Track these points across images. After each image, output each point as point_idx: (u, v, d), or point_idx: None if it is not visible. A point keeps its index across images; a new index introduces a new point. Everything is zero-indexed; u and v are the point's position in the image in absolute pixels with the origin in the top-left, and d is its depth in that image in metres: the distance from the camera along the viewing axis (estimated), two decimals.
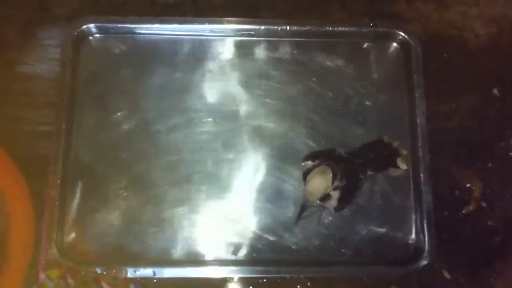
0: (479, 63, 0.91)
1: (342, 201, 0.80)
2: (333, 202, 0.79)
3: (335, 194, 0.79)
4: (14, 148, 0.81)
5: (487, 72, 0.90)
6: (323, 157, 0.81)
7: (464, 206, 0.85)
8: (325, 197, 0.79)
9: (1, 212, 0.76)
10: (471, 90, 0.89)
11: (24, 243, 0.76)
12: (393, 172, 0.84)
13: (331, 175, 0.77)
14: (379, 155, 0.84)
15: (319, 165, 0.80)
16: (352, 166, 0.81)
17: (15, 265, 0.74)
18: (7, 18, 0.89)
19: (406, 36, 0.89)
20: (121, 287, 0.76)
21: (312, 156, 0.83)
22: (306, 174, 0.80)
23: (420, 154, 0.84)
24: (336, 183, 0.78)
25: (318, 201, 0.80)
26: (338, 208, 0.81)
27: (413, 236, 0.83)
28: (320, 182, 0.77)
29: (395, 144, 0.84)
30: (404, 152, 0.84)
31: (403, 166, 0.83)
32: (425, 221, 0.82)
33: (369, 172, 0.83)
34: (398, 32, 0.89)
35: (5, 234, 0.75)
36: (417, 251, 0.82)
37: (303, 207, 0.80)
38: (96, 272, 0.76)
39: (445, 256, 0.82)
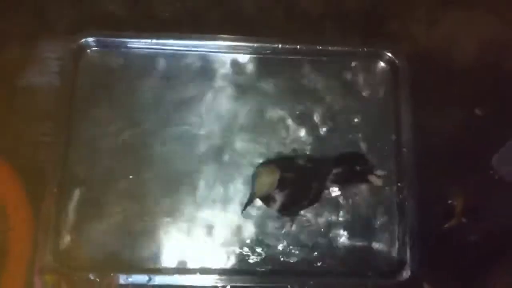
0: (464, 83, 0.93)
1: (286, 206, 0.82)
2: (275, 206, 0.82)
3: (279, 198, 0.81)
4: (14, 157, 0.83)
5: (471, 92, 0.93)
6: (279, 163, 0.84)
7: (446, 221, 0.87)
8: (269, 200, 0.82)
9: (1, 218, 0.78)
10: (455, 108, 0.92)
11: (22, 248, 0.78)
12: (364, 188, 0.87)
13: (277, 177, 0.80)
14: (348, 170, 0.86)
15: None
16: (306, 176, 0.84)
17: (14, 269, 0.76)
18: (9, 32, 0.91)
19: (393, 57, 0.92)
20: None
21: (271, 161, 0.86)
22: (256, 173, 0.82)
23: (405, 169, 0.87)
24: (281, 187, 0.80)
25: (262, 202, 0.83)
26: (282, 212, 0.83)
27: (396, 248, 0.85)
28: (265, 179, 0.80)
29: (373, 161, 0.88)
30: (382, 173, 0.87)
31: (377, 182, 0.86)
32: (408, 234, 0.84)
33: (333, 186, 0.86)
34: (385, 52, 0.92)
35: (4, 239, 0.77)
36: (400, 263, 0.84)
37: (248, 201, 0.81)
38: (89, 278, 0.79)
39: (427, 269, 0.84)
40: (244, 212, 0.82)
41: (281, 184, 0.80)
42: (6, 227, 0.77)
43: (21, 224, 0.78)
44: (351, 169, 0.87)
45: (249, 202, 0.80)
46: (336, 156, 0.88)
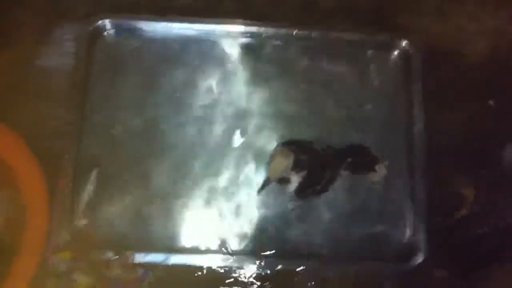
0: (477, 75, 0.94)
1: (302, 188, 0.84)
2: (292, 187, 0.84)
3: (295, 179, 0.83)
4: (32, 140, 0.83)
5: (484, 84, 0.94)
6: (296, 146, 0.86)
7: (457, 209, 0.88)
8: (284, 181, 0.84)
9: (18, 199, 0.78)
10: (468, 100, 0.93)
11: (39, 228, 0.78)
12: (372, 176, 0.88)
13: (292, 159, 0.82)
14: (358, 159, 0.88)
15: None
16: (321, 160, 0.86)
17: (32, 248, 0.77)
18: (26, 14, 0.91)
19: (407, 47, 0.92)
20: (129, 271, 0.79)
21: (288, 143, 0.87)
22: (271, 155, 0.85)
23: (417, 160, 0.88)
24: (297, 169, 0.83)
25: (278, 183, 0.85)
26: (298, 194, 0.85)
27: (408, 236, 0.86)
28: (279, 162, 0.83)
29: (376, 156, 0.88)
30: (385, 162, 0.88)
31: (380, 171, 0.87)
32: (420, 223, 0.85)
33: (343, 172, 0.87)
34: (400, 42, 0.93)
35: (22, 219, 0.77)
36: (411, 250, 0.85)
37: (264, 182, 0.84)
38: (106, 256, 0.79)
39: (438, 256, 0.85)
40: (259, 193, 0.84)
41: (297, 166, 0.82)
42: (23, 209, 0.78)
43: (37, 202, 0.79)
44: (358, 160, 0.88)
45: (266, 183, 0.81)
46: (345, 147, 0.89)
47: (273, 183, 0.85)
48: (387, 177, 0.88)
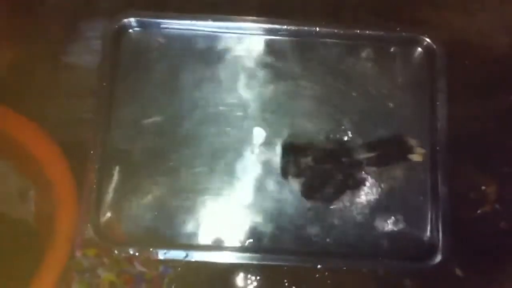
0: (500, 70, 0.93)
1: (306, 188, 0.86)
2: (298, 182, 0.86)
3: (302, 177, 0.86)
4: (57, 134, 0.84)
5: (508, 79, 0.93)
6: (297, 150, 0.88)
7: (479, 207, 0.88)
8: (294, 176, 0.86)
9: (47, 195, 0.80)
10: (491, 96, 0.92)
11: (69, 224, 0.79)
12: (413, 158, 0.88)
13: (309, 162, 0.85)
14: (384, 154, 0.88)
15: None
16: (328, 164, 0.87)
17: (62, 245, 0.78)
18: (53, 10, 0.93)
19: (431, 42, 0.91)
20: (151, 267, 0.81)
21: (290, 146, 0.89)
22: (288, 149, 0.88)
23: (439, 155, 0.87)
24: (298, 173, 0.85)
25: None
26: (303, 194, 0.86)
27: (428, 233, 0.86)
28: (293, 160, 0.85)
29: (412, 142, 0.88)
30: (422, 151, 0.88)
31: (416, 158, 0.87)
32: (440, 220, 0.85)
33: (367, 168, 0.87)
34: (423, 37, 0.92)
35: (52, 216, 0.79)
36: (432, 248, 0.85)
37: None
38: (129, 253, 0.81)
39: (459, 254, 0.85)
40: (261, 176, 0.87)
41: (298, 169, 0.85)
42: (52, 198, 0.79)
43: (67, 197, 0.80)
44: (387, 152, 0.88)
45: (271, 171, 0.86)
46: (369, 142, 0.89)
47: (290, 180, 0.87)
48: (408, 174, 0.88)
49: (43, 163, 0.80)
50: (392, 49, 0.93)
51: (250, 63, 0.92)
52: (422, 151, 0.87)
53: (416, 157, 0.87)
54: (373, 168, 0.88)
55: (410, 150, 0.88)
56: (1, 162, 0.84)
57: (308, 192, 0.86)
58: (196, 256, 0.82)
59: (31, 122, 0.83)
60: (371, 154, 0.88)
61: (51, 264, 0.76)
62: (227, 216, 0.86)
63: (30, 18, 0.93)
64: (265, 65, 0.92)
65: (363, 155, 0.88)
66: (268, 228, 0.86)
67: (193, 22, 0.92)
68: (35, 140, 0.82)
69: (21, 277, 0.76)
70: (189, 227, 0.85)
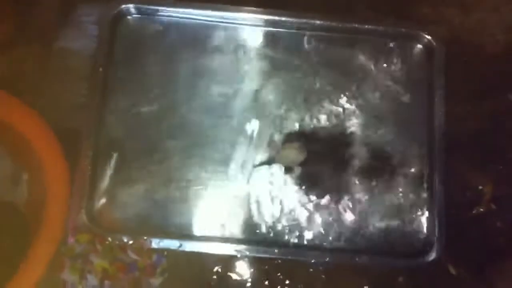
0: (497, 68, 0.93)
1: (304, 182, 0.86)
2: (293, 176, 0.85)
3: (297, 171, 0.85)
4: (52, 119, 0.82)
5: (504, 77, 0.93)
6: (305, 140, 0.87)
7: (474, 206, 0.88)
8: (289, 170, 0.86)
9: (39, 179, 0.78)
10: (488, 94, 0.92)
11: (59, 209, 0.78)
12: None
13: (303, 157, 0.85)
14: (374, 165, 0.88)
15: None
16: (328, 158, 0.87)
17: (52, 229, 0.77)
18: None
19: (431, 39, 0.91)
20: (144, 256, 0.80)
21: (298, 135, 0.88)
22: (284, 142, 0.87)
23: (436, 154, 0.87)
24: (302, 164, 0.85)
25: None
26: (300, 187, 0.86)
27: (423, 231, 0.86)
28: (289, 155, 0.85)
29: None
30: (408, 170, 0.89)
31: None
32: (436, 218, 0.85)
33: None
34: (423, 34, 0.92)
35: (43, 200, 0.77)
36: (426, 246, 0.85)
37: (267, 161, 0.86)
38: (122, 241, 0.80)
39: (453, 253, 0.85)
40: (255, 167, 0.86)
41: (295, 162, 0.85)
42: (44, 189, 0.78)
43: (59, 183, 0.79)
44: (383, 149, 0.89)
45: (266, 163, 0.85)
46: (365, 137, 0.89)
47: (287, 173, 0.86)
48: (405, 172, 0.88)
49: (36, 147, 0.79)
50: (390, 45, 0.93)
51: (247, 54, 0.91)
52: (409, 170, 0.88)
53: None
54: (370, 164, 0.87)
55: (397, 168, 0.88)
56: None
57: (305, 185, 0.86)
58: (190, 246, 0.82)
59: (24, 105, 0.82)
60: (368, 150, 0.87)
61: (40, 248, 0.75)
62: (221, 207, 0.85)
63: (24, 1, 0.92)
64: (263, 56, 0.91)
65: (360, 151, 0.87)
66: (262, 220, 0.85)
67: (191, 10, 0.91)
68: (28, 123, 0.80)
69: (10, 260, 0.75)
70: (183, 217, 0.84)
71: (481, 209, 0.87)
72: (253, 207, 0.85)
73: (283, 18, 0.91)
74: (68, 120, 0.85)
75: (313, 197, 0.86)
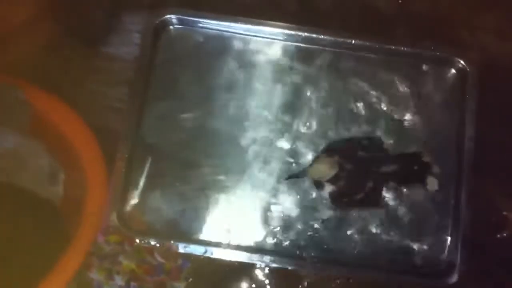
0: None
1: (334, 197, 0.86)
2: (325, 193, 0.86)
3: (328, 187, 0.86)
4: (90, 120, 0.85)
5: None
6: (340, 154, 0.88)
7: (499, 231, 0.88)
8: (319, 184, 0.86)
9: (78, 179, 0.81)
10: None
11: (97, 209, 0.80)
12: (417, 189, 0.89)
13: (335, 171, 0.86)
14: (406, 169, 0.89)
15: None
16: (362, 172, 0.88)
17: (89, 230, 0.79)
18: (97, 1, 0.95)
19: (465, 64, 0.92)
20: (171, 259, 0.82)
21: (332, 149, 0.89)
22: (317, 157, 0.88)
23: (464, 176, 0.88)
24: (334, 179, 0.86)
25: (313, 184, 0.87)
26: (333, 201, 0.87)
27: (446, 252, 0.86)
28: (322, 168, 0.86)
29: (428, 159, 0.89)
30: (437, 170, 0.89)
31: (432, 186, 0.88)
32: (460, 240, 0.85)
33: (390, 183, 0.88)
34: (457, 59, 0.92)
35: (80, 199, 0.79)
36: (449, 267, 0.85)
37: (299, 173, 0.87)
38: (150, 243, 0.82)
39: (475, 277, 0.85)
40: (287, 180, 0.87)
41: (335, 176, 0.85)
42: (84, 188, 0.80)
43: (98, 183, 0.81)
44: (409, 168, 0.89)
45: (297, 175, 0.86)
46: (395, 155, 0.90)
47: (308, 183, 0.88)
48: (432, 193, 0.88)
49: (76, 147, 0.81)
50: (424, 68, 0.94)
51: (283, 71, 0.93)
52: (434, 182, 0.88)
53: (432, 184, 0.88)
54: (395, 183, 0.88)
55: (429, 169, 0.89)
56: (34, 142, 0.84)
57: (331, 198, 0.87)
58: (215, 252, 0.84)
59: (67, 106, 0.84)
60: (395, 169, 0.88)
61: (77, 247, 0.77)
62: (249, 216, 0.87)
63: (73, 1, 0.96)
64: (297, 74, 0.93)
65: (387, 169, 0.88)
66: (288, 232, 0.86)
67: (231, 24, 0.93)
68: (68, 122, 0.83)
69: (43, 258, 0.77)
70: (211, 223, 0.86)
71: (506, 235, 0.87)
72: (281, 219, 0.87)
73: (320, 36, 0.93)
74: (105, 122, 0.88)
75: (337, 211, 0.87)
